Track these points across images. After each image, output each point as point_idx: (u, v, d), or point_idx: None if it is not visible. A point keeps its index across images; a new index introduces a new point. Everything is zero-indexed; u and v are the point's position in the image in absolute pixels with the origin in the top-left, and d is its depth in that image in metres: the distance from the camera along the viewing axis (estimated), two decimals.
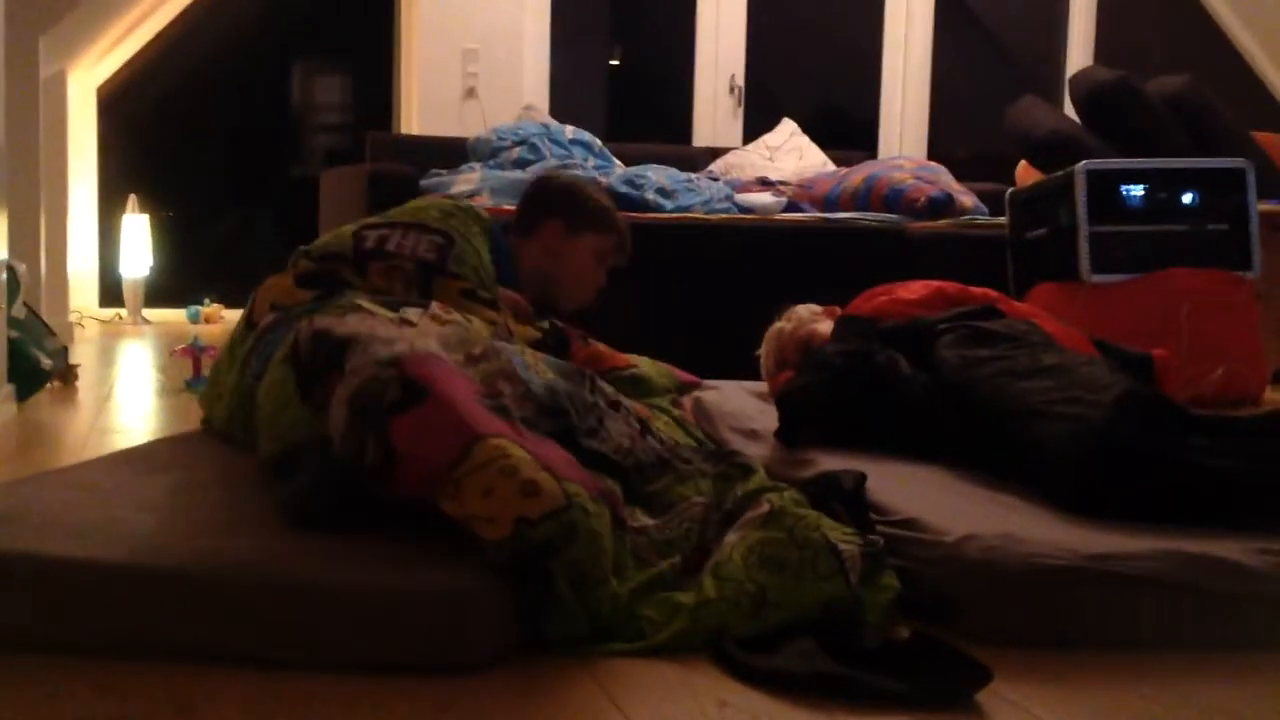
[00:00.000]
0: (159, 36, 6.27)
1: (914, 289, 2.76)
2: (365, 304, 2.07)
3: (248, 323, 2.36)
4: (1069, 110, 5.11)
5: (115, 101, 6.41)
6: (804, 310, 2.92)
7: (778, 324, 2.92)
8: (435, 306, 2.25)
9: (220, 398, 2.32)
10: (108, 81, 6.33)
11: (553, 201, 2.82)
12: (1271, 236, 4.01)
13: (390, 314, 2.07)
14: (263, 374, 2.08)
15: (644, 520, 1.75)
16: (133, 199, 6.22)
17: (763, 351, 2.94)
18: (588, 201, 2.86)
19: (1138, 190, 3.80)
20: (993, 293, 2.75)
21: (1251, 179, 3.80)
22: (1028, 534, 1.65)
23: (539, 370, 1.91)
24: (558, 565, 1.47)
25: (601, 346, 2.70)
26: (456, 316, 2.27)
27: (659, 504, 1.83)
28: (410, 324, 2.06)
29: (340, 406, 1.62)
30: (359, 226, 2.49)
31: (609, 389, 2.09)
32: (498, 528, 1.45)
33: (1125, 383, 2.02)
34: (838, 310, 2.86)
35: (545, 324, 2.62)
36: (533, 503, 1.45)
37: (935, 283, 2.77)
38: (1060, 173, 3.90)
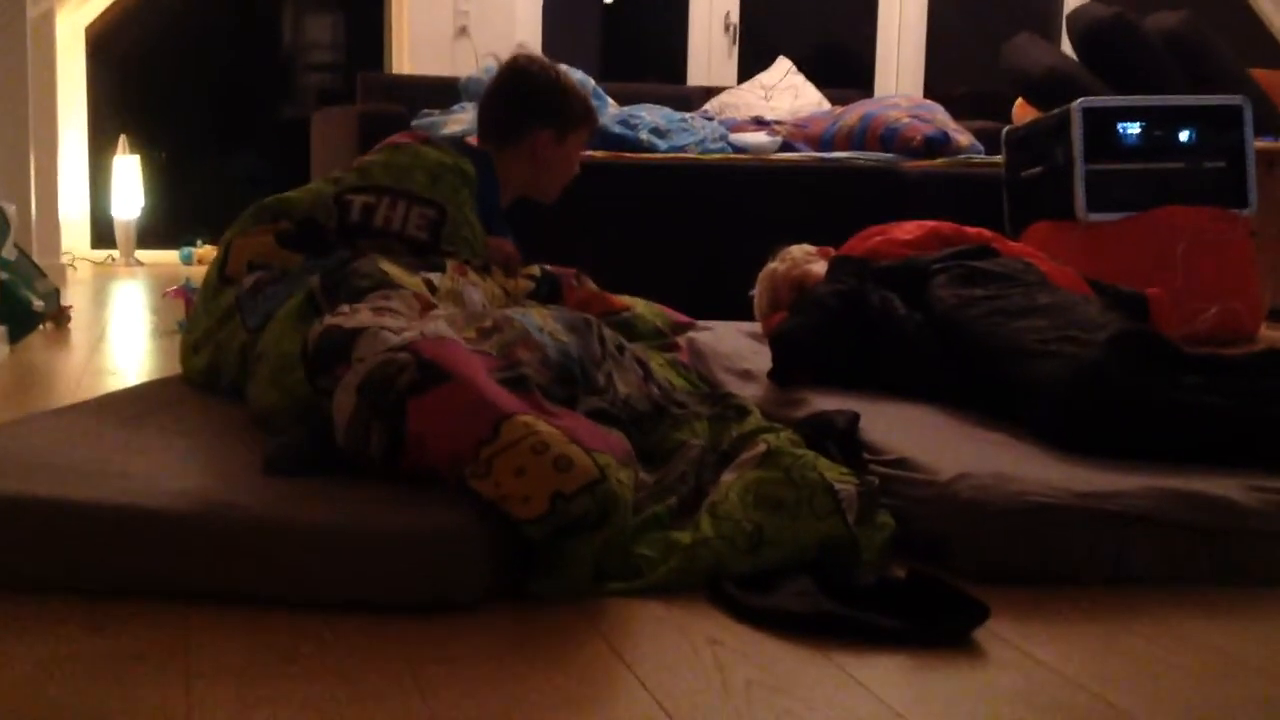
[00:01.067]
0: None
1: (908, 229, 2.75)
2: (388, 266, 2.06)
3: (222, 277, 2.33)
4: (1066, 48, 5.06)
5: (105, 41, 6.34)
6: (798, 250, 2.91)
7: (771, 264, 2.91)
8: (452, 267, 2.24)
9: (196, 350, 2.30)
10: (96, 20, 6.25)
11: (540, 109, 2.72)
12: (1268, 174, 4.00)
13: (412, 278, 2.06)
14: (263, 327, 2.07)
15: (642, 476, 1.75)
16: (123, 140, 6.17)
17: (756, 291, 2.94)
18: (572, 102, 2.76)
19: (1134, 128, 3.78)
20: (988, 233, 2.74)
21: (1248, 116, 3.78)
22: (1020, 473, 1.66)
23: (552, 330, 1.90)
24: (595, 539, 1.46)
25: (594, 288, 2.68)
26: (474, 277, 2.26)
27: (656, 454, 1.83)
28: (432, 289, 2.06)
29: (347, 393, 1.60)
30: (339, 189, 2.42)
31: (611, 335, 2.08)
32: (534, 506, 1.44)
33: (1120, 321, 2.02)
34: (831, 251, 2.85)
35: (536, 270, 2.59)
36: (567, 477, 1.44)
37: (930, 223, 2.76)
38: (1057, 111, 3.87)
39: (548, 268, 2.62)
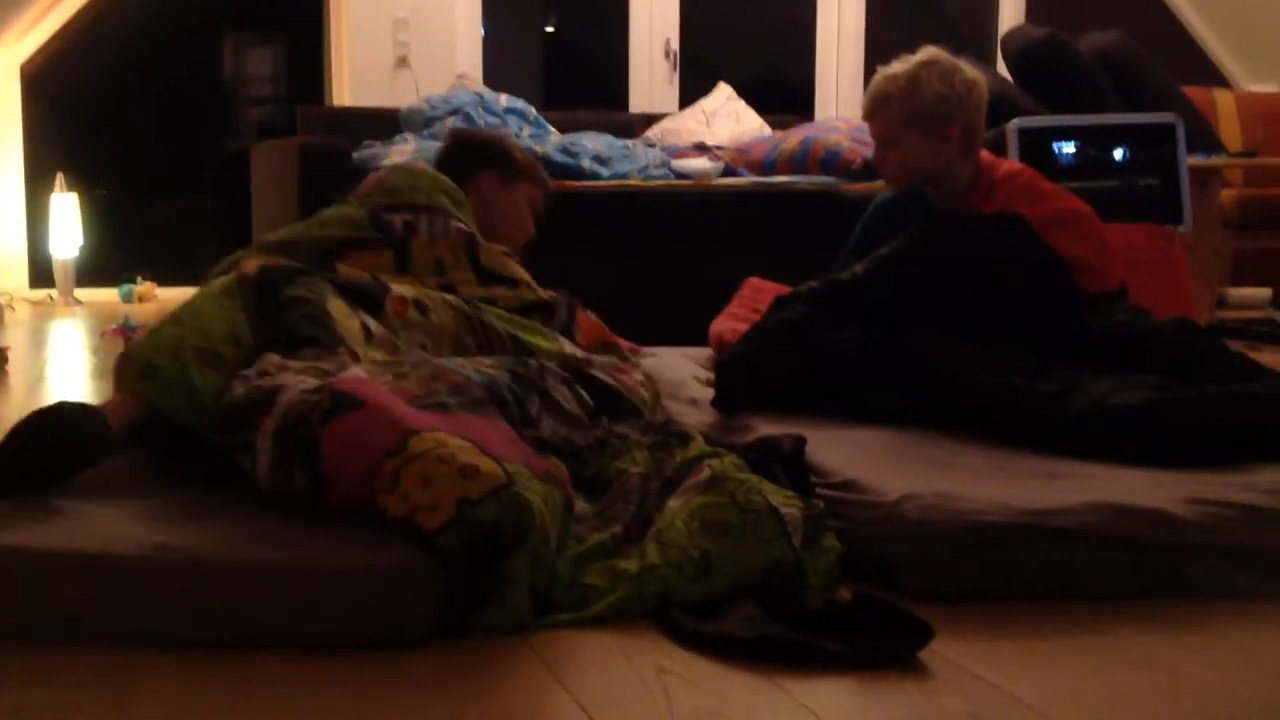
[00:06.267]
0: (85, 9, 6.13)
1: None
2: (333, 306, 2.00)
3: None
4: (1002, 69, 5.13)
5: (40, 78, 6.28)
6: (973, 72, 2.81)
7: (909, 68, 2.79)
8: (391, 307, 2.17)
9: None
10: (32, 58, 6.19)
11: (483, 154, 2.80)
12: (1201, 190, 4.06)
13: (350, 321, 2.01)
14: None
15: (583, 506, 1.74)
16: (60, 178, 6.10)
17: (875, 94, 2.87)
18: (515, 151, 2.88)
19: (1069, 147, 3.83)
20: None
21: (1181, 133, 3.84)
22: (965, 492, 1.67)
23: (479, 367, 1.91)
24: (515, 551, 1.46)
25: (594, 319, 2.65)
26: (414, 315, 2.19)
27: (597, 484, 1.83)
28: (369, 335, 2.03)
29: (266, 439, 1.62)
30: (370, 209, 2.39)
31: (555, 374, 2.08)
32: (440, 513, 1.44)
33: None
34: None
35: (551, 294, 2.53)
36: (472, 484, 1.45)
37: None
38: (992, 131, 3.91)
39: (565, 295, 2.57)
